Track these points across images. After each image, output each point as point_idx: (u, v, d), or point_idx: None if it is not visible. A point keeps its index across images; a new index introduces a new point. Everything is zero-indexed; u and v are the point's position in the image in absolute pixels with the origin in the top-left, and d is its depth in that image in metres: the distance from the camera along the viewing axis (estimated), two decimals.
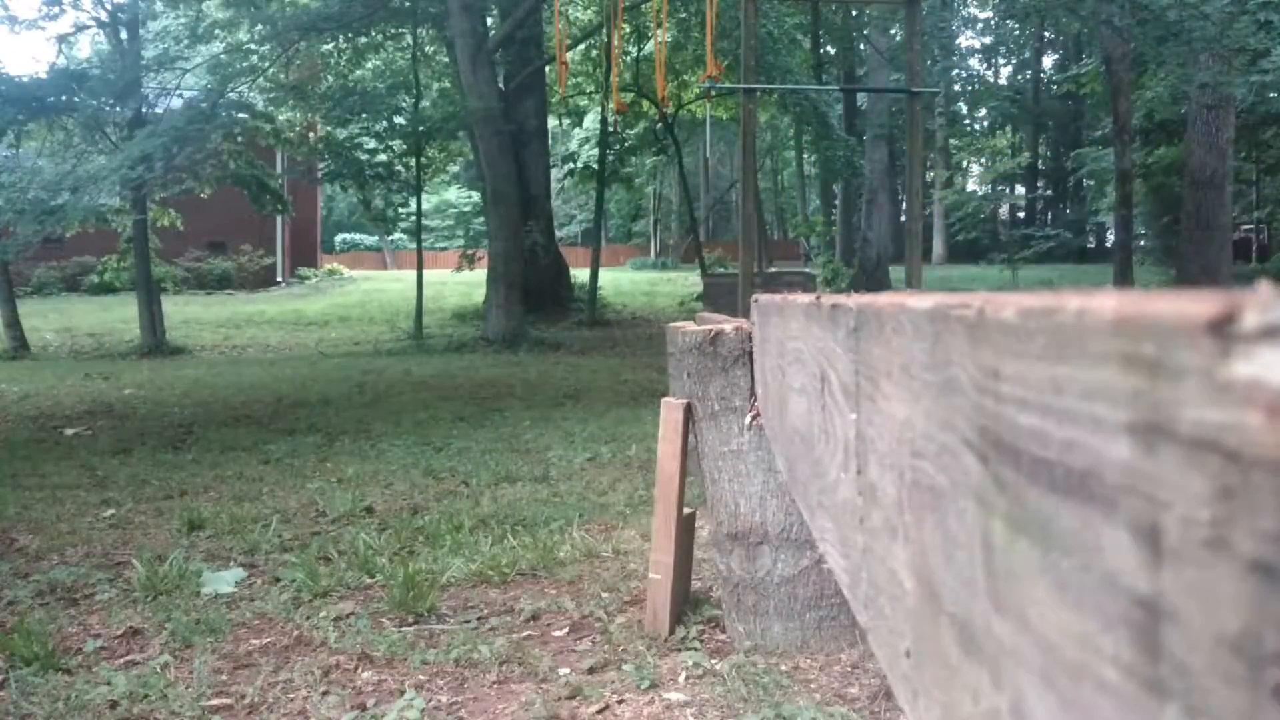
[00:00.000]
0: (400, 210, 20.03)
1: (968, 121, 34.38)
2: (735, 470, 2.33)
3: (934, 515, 0.49)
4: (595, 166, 18.53)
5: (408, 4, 15.11)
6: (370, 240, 42.65)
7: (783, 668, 2.20)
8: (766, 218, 28.03)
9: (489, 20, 14.88)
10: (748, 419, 2.30)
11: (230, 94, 14.38)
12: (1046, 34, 32.63)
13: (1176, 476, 0.25)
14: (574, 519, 3.55)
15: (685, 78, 18.60)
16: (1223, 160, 14.37)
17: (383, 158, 16.38)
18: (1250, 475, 0.22)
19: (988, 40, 33.35)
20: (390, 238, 38.22)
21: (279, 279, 25.90)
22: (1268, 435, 0.21)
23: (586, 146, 26.62)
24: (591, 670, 2.23)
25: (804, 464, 1.09)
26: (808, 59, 20.39)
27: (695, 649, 2.33)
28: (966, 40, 31.78)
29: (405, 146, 16.20)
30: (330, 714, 2.04)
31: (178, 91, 15.37)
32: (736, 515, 2.34)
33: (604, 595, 2.74)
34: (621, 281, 23.96)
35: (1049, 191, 35.01)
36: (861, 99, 22.13)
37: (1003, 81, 35.13)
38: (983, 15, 28.74)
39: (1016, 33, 31.01)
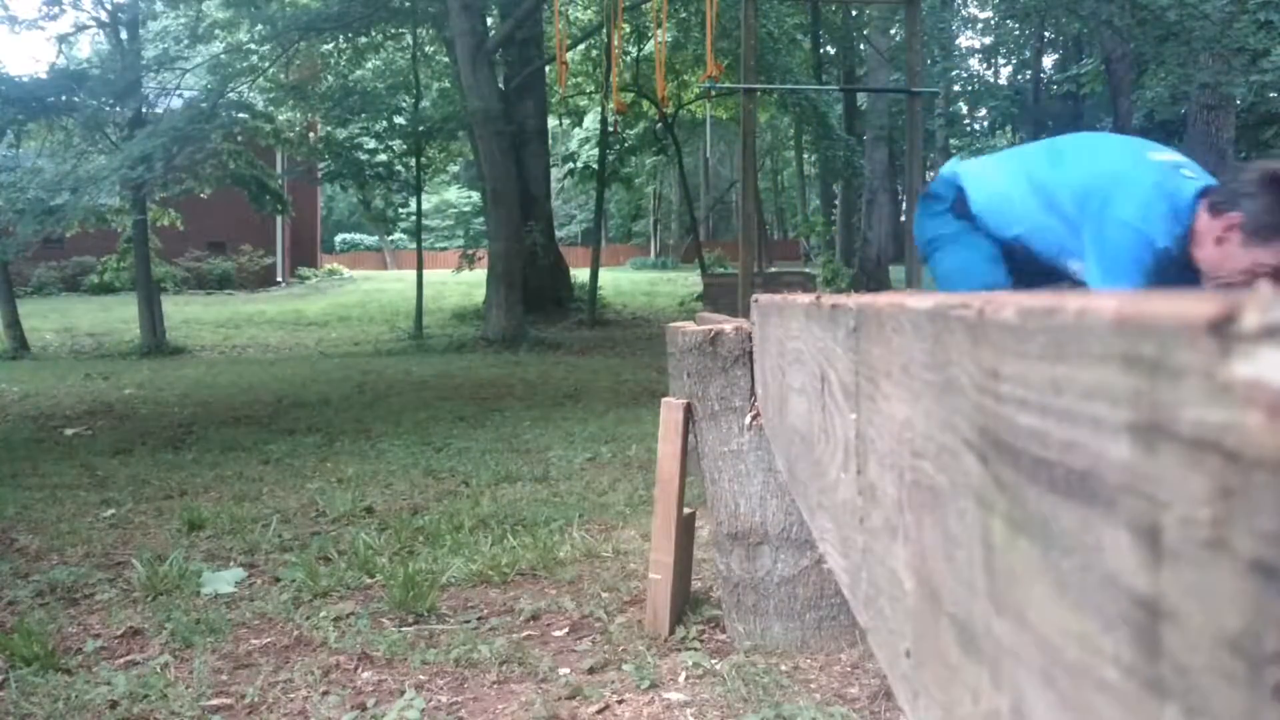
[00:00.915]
0: (400, 210, 20.06)
1: (968, 121, 34.36)
2: (735, 470, 2.33)
3: (934, 515, 0.49)
4: (595, 166, 18.53)
5: (408, 4, 15.10)
6: (370, 240, 42.66)
7: (783, 668, 2.20)
8: (766, 218, 28.03)
9: (489, 20, 14.88)
10: (748, 419, 2.30)
11: (230, 94, 14.38)
12: (1046, 34, 32.60)
13: (1176, 476, 0.25)
14: (574, 519, 3.55)
15: (685, 78, 18.60)
16: (1223, 160, 14.37)
17: (383, 158, 16.39)
18: (1250, 475, 0.22)
19: (988, 40, 33.33)
20: (390, 238, 38.23)
21: (279, 279, 25.90)
22: (1268, 435, 0.21)
23: (586, 146, 26.62)
24: (591, 670, 2.23)
25: (804, 464, 1.09)
26: (808, 59, 20.39)
27: (695, 649, 2.33)
28: (966, 40, 31.78)
29: (405, 146, 16.21)
30: (330, 714, 2.04)
31: (178, 91, 15.38)
32: (736, 515, 2.34)
33: (604, 595, 2.74)
34: (621, 281, 23.97)
35: None
36: (861, 99, 22.13)
37: (1003, 81, 35.11)
38: (983, 15, 28.73)
39: (1016, 33, 31.00)
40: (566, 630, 2.51)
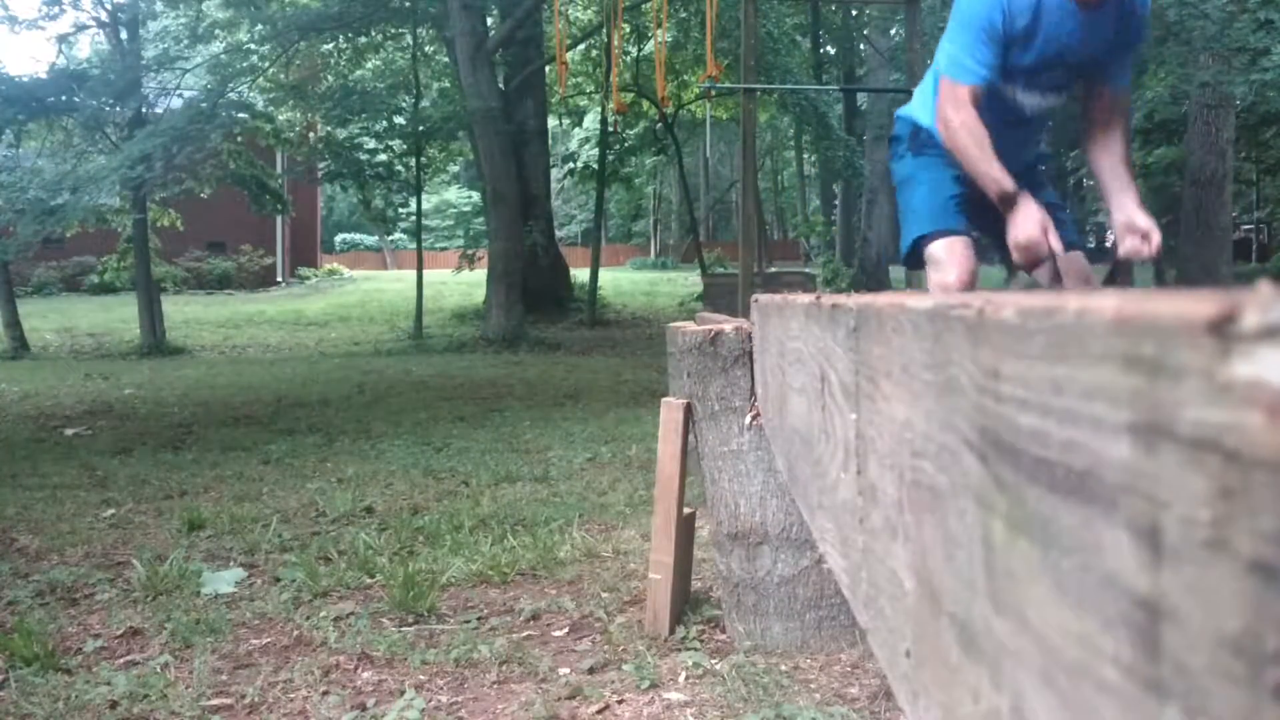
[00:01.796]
0: (400, 210, 20.05)
1: None
2: (735, 470, 2.33)
3: (934, 515, 0.49)
4: (595, 166, 18.53)
5: (408, 4, 15.10)
6: (370, 240, 42.65)
7: (783, 668, 2.20)
8: (766, 218, 28.01)
9: (489, 20, 14.88)
10: (748, 419, 2.30)
11: (230, 94, 14.38)
12: None
13: (1176, 476, 0.25)
14: (574, 519, 3.55)
15: (685, 78, 18.60)
16: (1223, 160, 14.36)
17: (383, 158, 16.38)
18: (1250, 475, 0.22)
19: None
20: (390, 238, 38.21)
21: (279, 279, 25.90)
22: (1268, 435, 0.21)
23: (586, 146, 26.63)
24: (591, 670, 2.23)
25: (804, 464, 1.09)
26: (808, 59, 20.38)
27: (695, 649, 2.33)
28: None
29: (405, 146, 16.20)
30: (330, 714, 2.04)
31: (178, 91, 15.38)
32: (736, 515, 2.34)
33: (604, 595, 2.74)
34: (621, 281, 23.96)
35: None
36: (861, 99, 22.12)
37: None
38: None
39: None
40: (566, 630, 2.51)
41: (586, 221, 38.07)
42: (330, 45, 16.50)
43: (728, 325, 2.34)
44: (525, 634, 2.48)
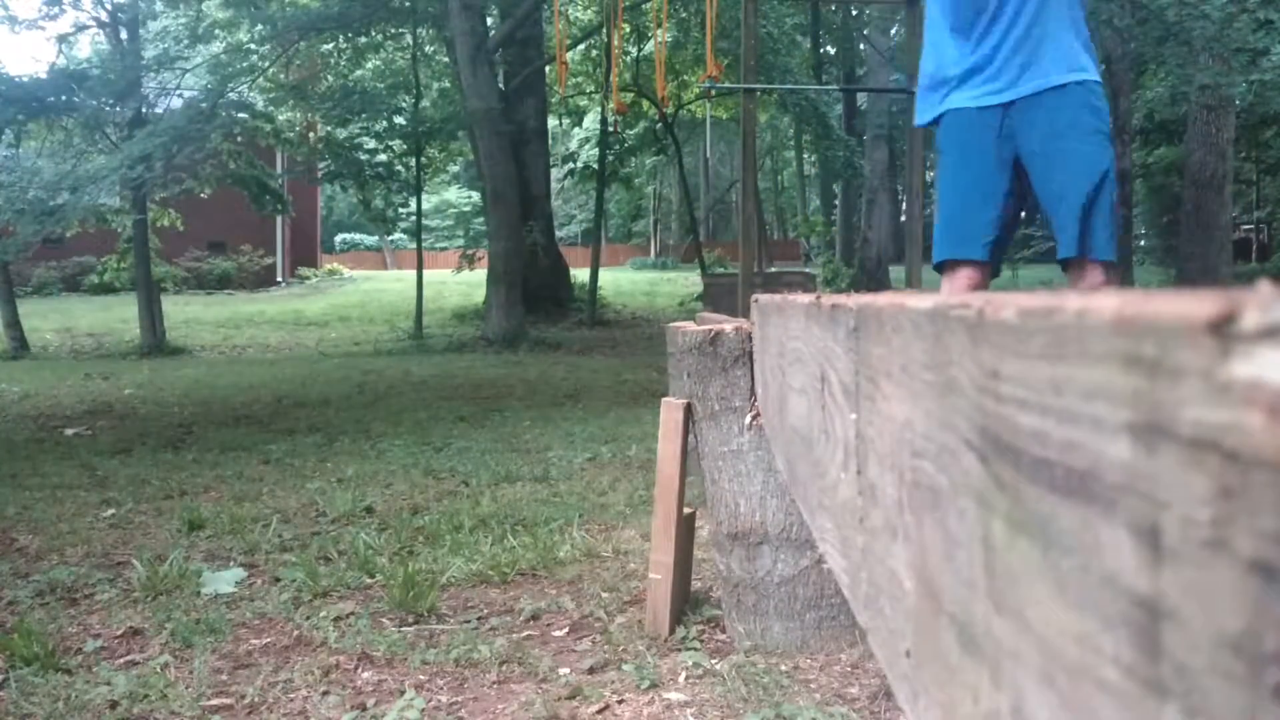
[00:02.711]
0: (400, 210, 20.04)
1: None
2: (735, 470, 2.33)
3: (934, 515, 0.49)
4: (595, 166, 18.53)
5: (408, 4, 15.11)
6: (370, 240, 42.66)
7: (783, 668, 2.20)
8: (766, 218, 28.02)
9: (489, 20, 14.88)
10: (748, 419, 2.30)
11: (230, 94, 14.38)
12: None
13: (1176, 476, 0.25)
14: (574, 519, 3.55)
15: (685, 78, 18.60)
16: (1223, 160, 14.37)
17: (383, 158, 16.39)
18: (1250, 475, 0.22)
19: None
20: (390, 238, 38.22)
21: (279, 279, 25.91)
22: (1268, 435, 0.21)
23: (586, 146, 26.62)
24: (591, 670, 2.23)
25: (804, 464, 1.09)
26: (808, 59, 20.39)
27: (695, 649, 2.33)
28: None
29: (405, 146, 16.20)
30: (330, 714, 2.04)
31: (178, 91, 15.38)
32: (736, 515, 2.34)
33: (604, 595, 2.74)
34: (621, 281, 23.96)
35: None
36: (861, 99, 22.13)
37: None
38: None
39: None
40: (566, 630, 2.51)
41: (586, 221, 38.07)
42: (330, 45, 16.50)
43: (728, 325, 2.34)
44: (525, 634, 2.48)
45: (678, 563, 2.44)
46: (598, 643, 2.41)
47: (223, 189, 15.35)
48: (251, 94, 15.81)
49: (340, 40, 16.31)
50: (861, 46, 20.99)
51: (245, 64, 15.11)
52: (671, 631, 2.41)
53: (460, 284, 20.14)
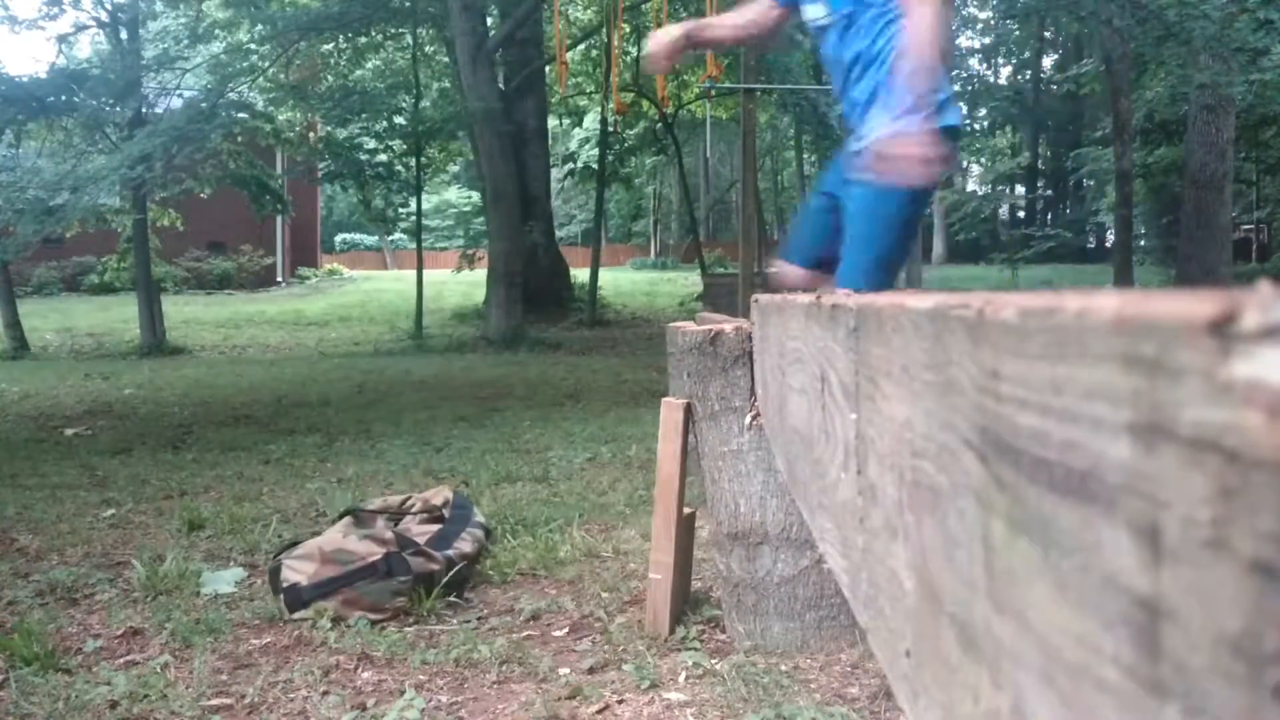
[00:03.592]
0: (400, 210, 20.04)
1: (968, 121, 34.35)
2: (735, 470, 2.33)
3: (934, 515, 0.49)
4: (595, 166, 18.53)
5: (408, 4, 15.10)
6: (370, 240, 42.65)
7: (783, 668, 2.20)
8: (766, 218, 28.01)
9: (489, 20, 14.88)
10: (748, 419, 2.30)
11: (230, 94, 14.37)
12: (1046, 34, 32.60)
13: (1176, 476, 0.25)
14: (574, 519, 3.55)
15: (685, 78, 18.60)
16: (1223, 160, 14.36)
17: (383, 158, 16.39)
18: (1250, 475, 0.22)
19: (988, 40, 33.33)
20: (390, 238, 38.22)
21: (279, 279, 25.90)
22: (1268, 435, 0.21)
23: (586, 146, 26.63)
24: (591, 670, 2.23)
25: (804, 464, 1.09)
26: (807, 59, 20.37)
27: (695, 649, 2.33)
28: (966, 40, 31.78)
29: (405, 146, 16.20)
30: (330, 714, 2.04)
31: (178, 91, 15.37)
32: (736, 515, 2.34)
33: (604, 595, 2.74)
34: (621, 281, 23.97)
35: (1049, 191, 34.99)
36: None
37: (1003, 81, 35.09)
38: (983, 15, 28.73)
39: (1016, 33, 30.98)
40: (566, 630, 2.51)
41: (586, 221, 38.08)
42: (330, 45, 16.49)
43: (728, 325, 2.34)
44: (525, 634, 2.48)
45: (678, 563, 2.44)
46: (598, 643, 2.41)
47: (223, 189, 15.34)
48: (251, 94, 15.80)
49: (340, 40, 16.31)
50: None
51: (245, 64, 15.10)
52: (671, 631, 2.41)
53: (460, 284, 20.14)
